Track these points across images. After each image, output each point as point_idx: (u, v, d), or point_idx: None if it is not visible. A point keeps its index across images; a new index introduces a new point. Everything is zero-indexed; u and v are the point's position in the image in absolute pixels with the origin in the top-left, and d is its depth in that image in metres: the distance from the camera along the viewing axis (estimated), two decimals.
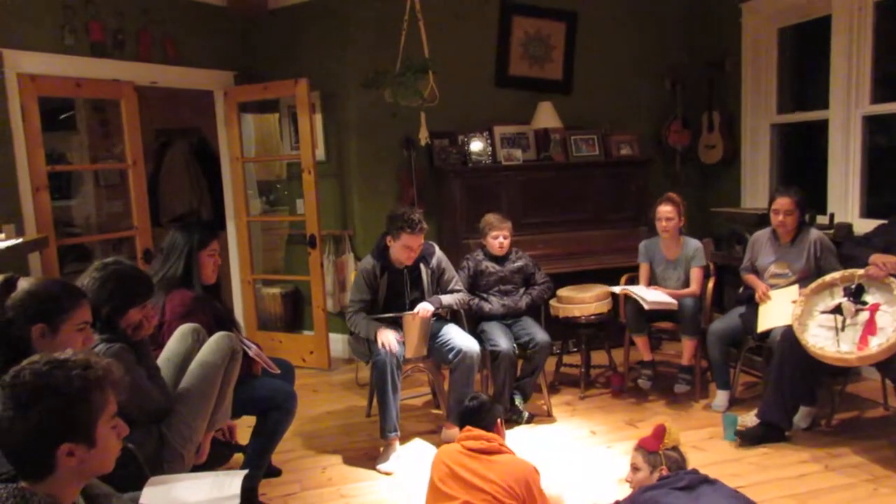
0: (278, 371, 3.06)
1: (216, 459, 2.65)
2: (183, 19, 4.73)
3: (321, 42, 4.95)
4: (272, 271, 5.58)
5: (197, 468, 2.41)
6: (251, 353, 2.89)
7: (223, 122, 5.07)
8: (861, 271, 3.26)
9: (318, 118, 5.03)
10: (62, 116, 5.59)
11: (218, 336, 2.50)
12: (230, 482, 2.04)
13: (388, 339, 3.43)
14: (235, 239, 5.16)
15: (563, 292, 4.22)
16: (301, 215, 5.00)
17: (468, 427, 2.66)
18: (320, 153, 5.02)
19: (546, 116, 4.93)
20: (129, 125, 4.41)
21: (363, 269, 3.67)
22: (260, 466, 2.95)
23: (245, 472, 2.14)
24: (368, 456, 3.49)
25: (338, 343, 5.10)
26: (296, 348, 5.01)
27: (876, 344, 3.05)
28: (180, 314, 2.71)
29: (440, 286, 3.78)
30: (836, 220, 4.33)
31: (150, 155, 5.87)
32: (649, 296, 3.90)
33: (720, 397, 3.91)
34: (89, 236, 5.27)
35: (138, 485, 1.92)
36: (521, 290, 4.07)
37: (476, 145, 4.96)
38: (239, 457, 2.94)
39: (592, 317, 4.13)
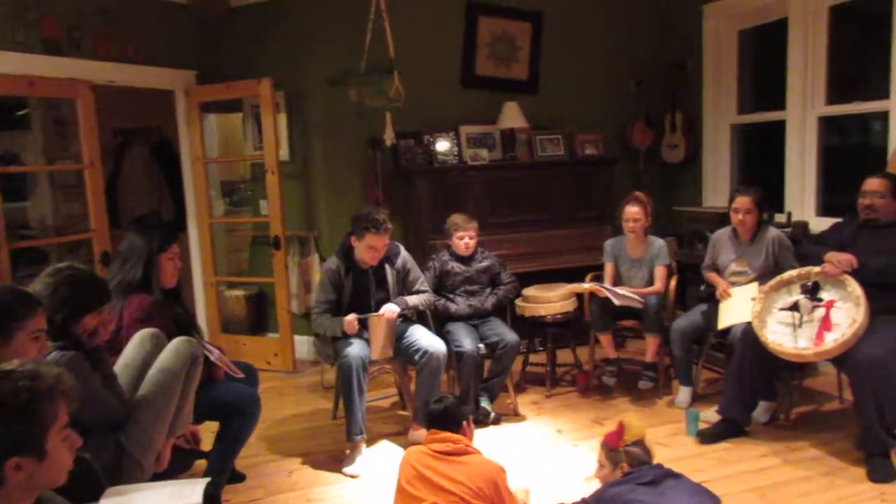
0: (241, 375, 3.02)
1: (177, 467, 2.60)
2: (142, 17, 4.63)
3: (285, 41, 4.89)
4: (236, 273, 5.51)
5: (157, 476, 2.37)
6: (213, 358, 2.85)
7: (184, 122, 4.98)
8: (817, 269, 3.33)
9: (283, 118, 4.97)
10: (18, 113, 5.43)
11: (178, 341, 2.45)
12: (191, 490, 2.01)
13: (351, 321, 3.43)
14: (198, 241, 5.08)
15: (528, 292, 4.23)
16: (265, 216, 4.94)
17: (434, 430, 2.66)
18: (284, 153, 4.96)
19: (512, 116, 4.95)
20: (86, 125, 4.31)
21: (328, 269, 3.64)
22: (223, 472, 2.91)
23: (207, 479, 2.11)
24: (335, 459, 3.46)
25: (303, 345, 5.06)
26: (260, 351, 4.95)
27: (832, 339, 3.12)
28: (138, 319, 2.66)
29: (406, 287, 3.77)
30: (794, 218, 4.43)
31: (109, 155, 5.75)
32: (618, 291, 3.93)
33: (683, 393, 3.97)
34: (44, 239, 5.13)
35: (95, 496, 1.87)
36: (488, 291, 4.08)
37: (442, 145, 4.96)
38: (201, 463, 2.90)
39: (558, 316, 4.15)
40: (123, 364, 2.44)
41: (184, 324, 2.88)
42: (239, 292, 5.35)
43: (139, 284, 2.81)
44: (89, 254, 4.45)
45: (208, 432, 2.96)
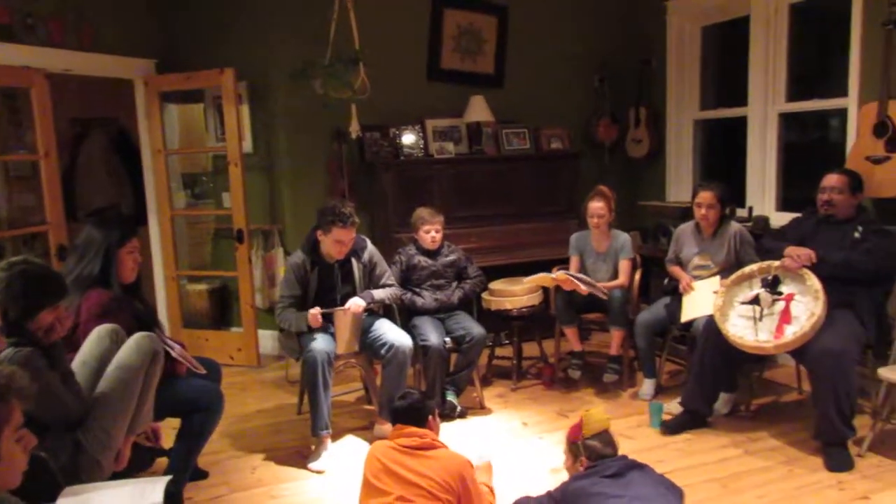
0: (204, 371, 2.97)
1: (138, 465, 2.55)
2: (100, 4, 4.50)
3: (248, 31, 4.80)
4: (198, 267, 5.41)
5: (117, 475, 2.31)
6: (174, 354, 2.79)
7: (144, 112, 4.87)
8: (777, 263, 3.39)
9: (245, 109, 4.89)
10: None
11: (138, 336, 2.39)
12: (152, 489, 1.97)
13: (315, 315, 3.39)
14: (158, 234, 4.97)
15: (494, 285, 4.24)
16: (228, 209, 4.85)
17: (400, 424, 2.64)
18: (248, 145, 4.88)
19: (478, 110, 4.94)
20: (41, 114, 4.17)
21: (293, 263, 3.59)
22: (185, 470, 2.85)
23: (169, 477, 2.07)
24: (300, 454, 3.43)
25: (267, 340, 4.99)
26: (223, 346, 4.88)
27: (791, 332, 3.18)
28: (97, 315, 2.58)
29: (372, 281, 3.74)
30: (755, 213, 4.51)
31: (65, 145, 5.59)
32: (584, 279, 3.94)
33: (647, 386, 4.02)
34: None
35: (52, 496, 1.82)
36: (454, 285, 4.07)
37: (408, 138, 4.93)
38: (163, 461, 2.84)
39: (524, 309, 4.17)
40: (81, 361, 2.37)
41: (144, 319, 2.81)
42: (201, 286, 5.26)
43: (97, 279, 2.73)
44: (45, 247, 4.33)
45: (170, 429, 2.91)
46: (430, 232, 3.96)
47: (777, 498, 2.84)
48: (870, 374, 3.40)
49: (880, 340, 3.33)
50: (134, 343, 2.33)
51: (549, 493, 2.60)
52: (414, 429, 2.61)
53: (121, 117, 5.80)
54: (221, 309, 5.31)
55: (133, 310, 2.75)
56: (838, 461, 3.06)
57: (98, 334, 2.42)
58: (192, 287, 5.27)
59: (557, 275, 3.97)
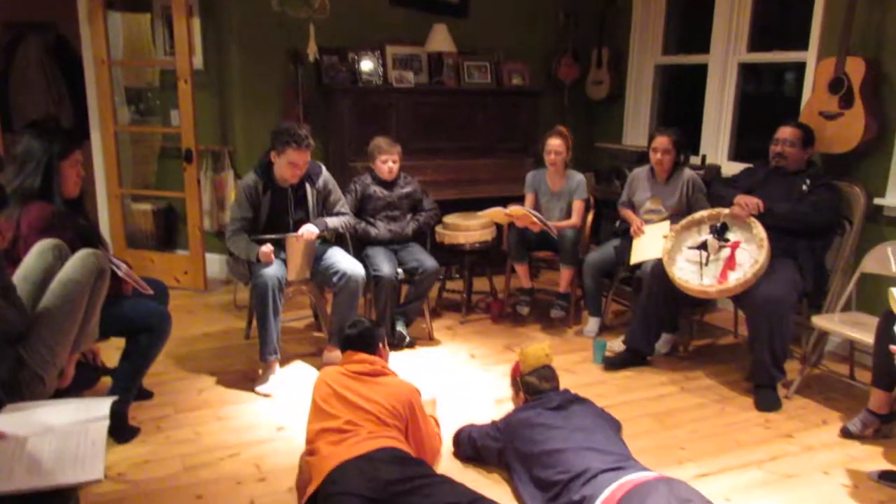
0: (150, 292, 2.90)
1: (82, 384, 2.51)
2: None
3: None
4: (143, 186, 5.22)
5: (60, 394, 2.26)
6: (120, 273, 2.71)
7: (86, 18, 4.56)
8: (726, 211, 3.48)
9: (197, 23, 4.66)
10: None
11: (83, 253, 2.30)
12: (98, 405, 1.94)
13: (268, 253, 3.33)
14: (101, 150, 4.75)
15: (449, 219, 4.24)
16: (176, 128, 4.67)
17: (350, 351, 2.66)
18: (198, 61, 4.66)
19: (440, 39, 4.81)
20: None
21: (245, 185, 3.49)
22: (130, 390, 2.82)
23: (114, 397, 2.04)
24: (247, 378, 3.42)
25: (215, 264, 4.91)
26: (169, 268, 4.77)
27: (734, 279, 3.29)
28: (39, 229, 2.47)
29: (326, 208, 3.69)
30: (708, 161, 4.58)
31: None
32: (538, 216, 3.96)
33: (592, 324, 4.13)
34: None
35: None
36: (409, 216, 4.05)
37: (367, 64, 4.79)
38: (107, 381, 2.80)
39: (477, 244, 4.19)
40: (22, 276, 2.28)
41: (88, 236, 2.70)
42: (146, 206, 5.09)
43: (39, 192, 2.59)
44: None
45: (114, 349, 2.86)
46: (388, 162, 3.90)
47: (708, 433, 2.98)
48: (803, 322, 3.56)
49: (817, 290, 3.47)
50: (79, 259, 2.25)
51: (493, 423, 2.69)
52: (364, 355, 2.63)
53: (58, 23, 5.45)
54: (167, 231, 5.17)
55: (76, 226, 2.64)
56: (767, 402, 3.23)
57: (40, 249, 2.32)
58: (137, 207, 5.10)
59: (513, 209, 3.98)
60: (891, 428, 2.94)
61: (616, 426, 2.69)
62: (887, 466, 2.71)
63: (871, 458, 2.80)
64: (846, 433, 2.94)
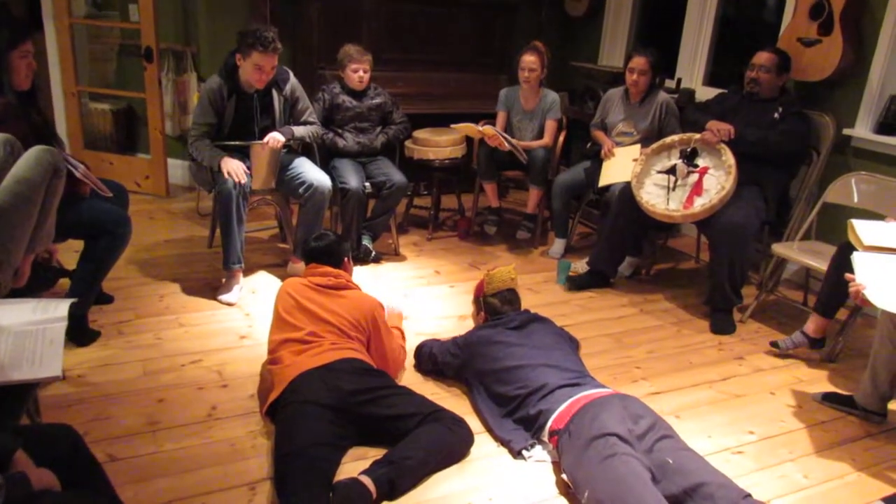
0: (110, 194, 2.81)
1: (39, 284, 2.44)
2: None
3: None
4: (101, 85, 4.99)
5: (17, 293, 2.21)
6: (78, 174, 2.61)
7: None
8: (697, 136, 3.47)
9: None
10: None
11: (37, 150, 2.20)
12: (56, 306, 1.90)
13: (234, 167, 3.23)
14: (56, 43, 4.51)
15: (419, 134, 4.16)
16: (135, 23, 4.43)
17: (315, 264, 2.64)
18: None
19: None
20: None
21: (208, 88, 3.35)
22: (88, 293, 2.78)
23: (73, 299, 1.99)
24: (210, 286, 3.40)
25: (177, 169, 4.78)
26: (129, 172, 4.64)
27: (699, 204, 3.31)
28: None
29: (293, 116, 3.58)
30: (683, 85, 4.53)
31: None
32: (510, 139, 3.92)
33: (557, 245, 4.16)
34: None
35: None
36: (378, 129, 3.96)
37: None
38: (65, 284, 2.74)
39: (446, 161, 4.14)
40: None
41: (42, 132, 2.59)
42: (105, 106, 4.89)
43: None
44: None
45: (72, 251, 2.79)
46: (358, 71, 3.77)
47: (664, 354, 3.07)
48: (763, 249, 3.63)
49: (779, 219, 3.53)
50: (33, 156, 2.14)
51: (454, 339, 2.72)
52: (328, 268, 2.62)
53: None
54: (127, 133, 4.99)
55: (29, 120, 2.52)
56: (722, 325, 3.32)
57: None
58: (95, 106, 4.89)
59: (485, 128, 3.91)
60: (831, 352, 3.07)
61: (574, 345, 2.75)
62: (831, 388, 2.84)
63: (817, 381, 2.92)
64: (774, 346, 3.07)
